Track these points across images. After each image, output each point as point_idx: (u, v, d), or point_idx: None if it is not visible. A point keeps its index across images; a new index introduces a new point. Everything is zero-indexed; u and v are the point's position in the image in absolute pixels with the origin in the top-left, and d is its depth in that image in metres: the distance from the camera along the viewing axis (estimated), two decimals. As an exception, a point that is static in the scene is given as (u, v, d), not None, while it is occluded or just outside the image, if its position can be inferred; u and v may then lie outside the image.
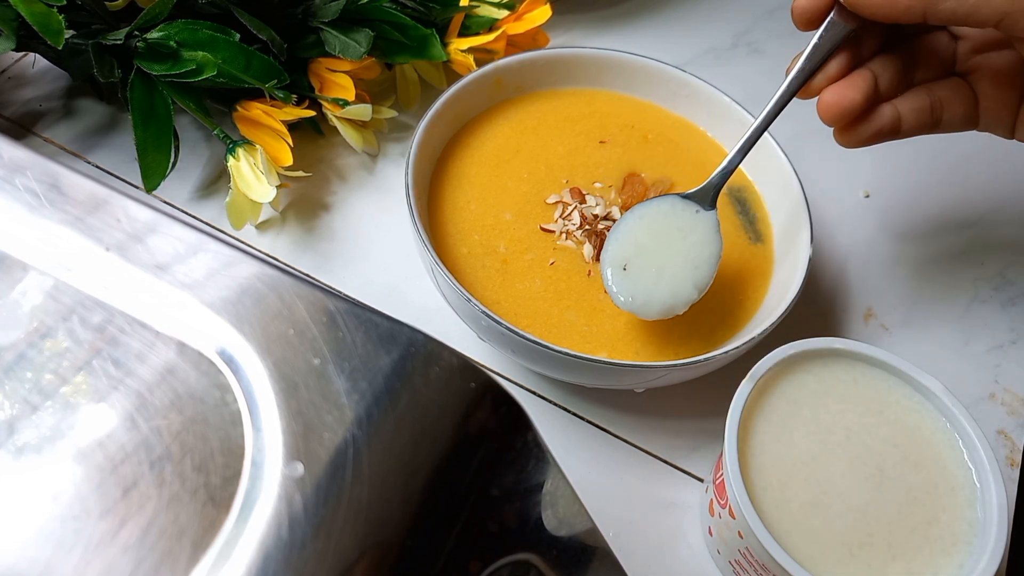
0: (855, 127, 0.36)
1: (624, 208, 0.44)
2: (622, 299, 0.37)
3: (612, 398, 0.43)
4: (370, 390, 0.18)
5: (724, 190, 0.45)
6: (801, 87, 0.36)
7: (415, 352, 0.19)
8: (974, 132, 0.38)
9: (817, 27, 0.35)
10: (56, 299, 0.20)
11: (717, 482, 0.35)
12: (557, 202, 0.44)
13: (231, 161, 0.45)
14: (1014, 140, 0.37)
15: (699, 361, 0.36)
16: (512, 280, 0.41)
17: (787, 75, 0.36)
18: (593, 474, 0.40)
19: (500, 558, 0.20)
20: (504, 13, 0.52)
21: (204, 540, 0.16)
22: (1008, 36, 0.32)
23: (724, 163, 0.39)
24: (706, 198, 0.39)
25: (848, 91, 0.35)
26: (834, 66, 0.35)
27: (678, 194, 0.39)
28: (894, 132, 0.36)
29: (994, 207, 0.52)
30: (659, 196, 0.39)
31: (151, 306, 0.20)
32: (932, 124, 0.36)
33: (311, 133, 0.52)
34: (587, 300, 0.40)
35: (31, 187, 0.21)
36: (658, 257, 0.38)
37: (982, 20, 0.31)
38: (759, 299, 0.41)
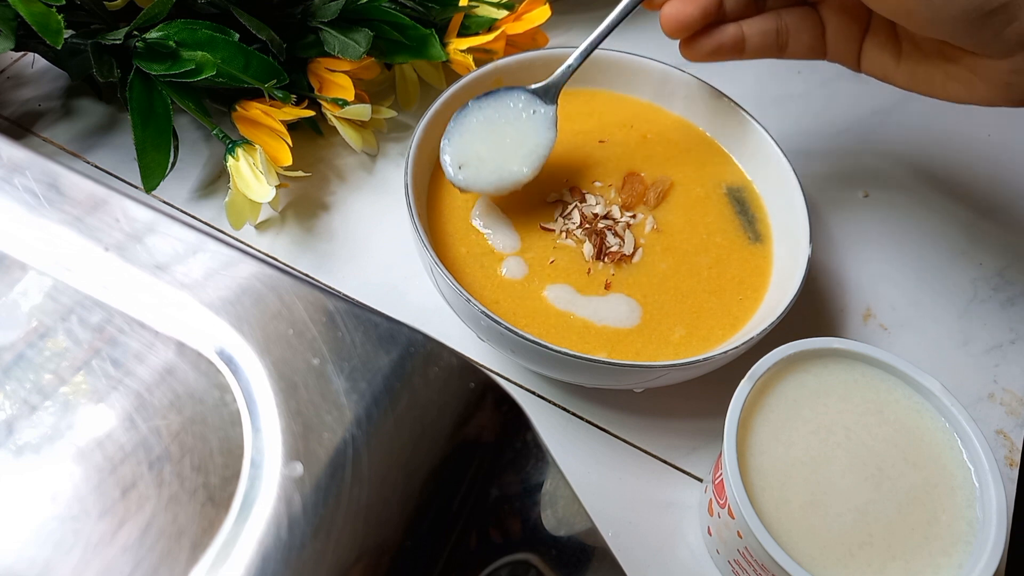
0: (696, 41, 0.37)
1: (624, 208, 0.44)
2: (459, 179, 0.41)
3: (611, 398, 0.43)
4: (369, 390, 0.18)
5: (724, 189, 0.45)
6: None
7: (414, 352, 0.19)
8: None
9: None
10: (55, 299, 0.20)
11: (716, 482, 0.35)
12: (557, 201, 0.44)
13: (230, 161, 0.45)
14: (861, 73, 0.38)
15: (698, 361, 0.36)
16: (511, 279, 0.41)
17: None
18: (592, 474, 0.40)
19: (499, 558, 0.20)
20: (503, 13, 0.52)
21: (203, 540, 0.16)
22: None
23: (570, 59, 0.42)
24: (548, 94, 0.42)
25: (687, 6, 0.36)
26: None
27: (524, 88, 0.42)
28: (736, 51, 0.38)
29: (993, 207, 0.52)
30: (504, 89, 0.42)
31: (150, 306, 0.20)
32: (777, 48, 0.38)
33: (310, 133, 0.52)
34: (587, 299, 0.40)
35: (30, 187, 0.21)
36: (493, 152, 0.42)
37: None
38: (758, 299, 0.42)
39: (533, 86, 0.42)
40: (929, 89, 0.36)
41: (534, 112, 0.41)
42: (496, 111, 0.42)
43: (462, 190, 0.41)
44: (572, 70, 0.42)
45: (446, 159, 0.41)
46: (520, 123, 0.41)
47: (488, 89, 0.46)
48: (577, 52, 0.42)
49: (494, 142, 0.41)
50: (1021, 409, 0.44)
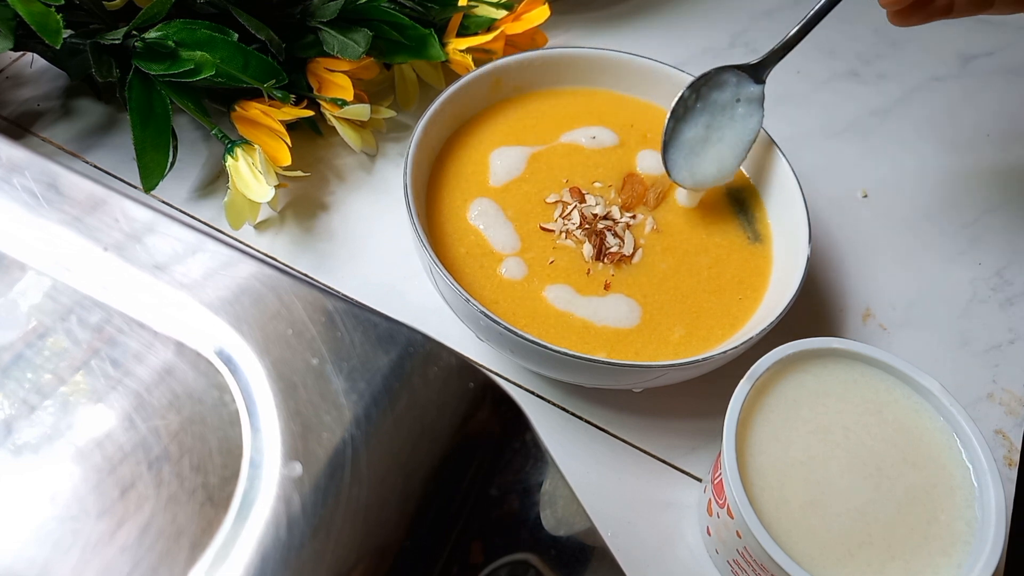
0: (911, 9, 0.37)
1: (624, 209, 0.44)
2: (684, 179, 0.42)
3: (611, 398, 0.43)
4: (368, 390, 0.18)
5: (723, 189, 0.45)
6: None
7: (413, 352, 0.19)
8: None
9: None
10: (54, 299, 0.20)
11: (715, 482, 0.35)
12: (556, 201, 0.44)
13: (229, 161, 0.45)
14: None
15: (697, 361, 0.36)
16: (511, 279, 0.41)
17: None
18: (592, 474, 0.40)
19: (498, 558, 0.20)
20: (502, 13, 0.52)
21: (202, 540, 0.16)
22: None
23: (790, 34, 0.41)
24: (758, 72, 0.42)
25: None
26: None
27: (735, 70, 0.42)
28: (945, 12, 0.36)
29: (992, 207, 0.52)
30: (720, 72, 0.42)
31: (149, 306, 0.19)
32: (984, 4, 0.37)
33: (309, 133, 0.51)
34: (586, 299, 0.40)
35: (29, 187, 0.21)
36: (712, 143, 0.42)
37: None
38: (758, 299, 0.42)
39: (743, 64, 0.42)
40: None
41: (743, 97, 0.42)
42: (712, 100, 0.42)
43: (685, 187, 0.42)
44: (789, 47, 0.41)
45: (672, 159, 0.42)
46: (732, 111, 0.42)
47: (486, 89, 0.47)
48: (798, 25, 0.41)
49: (710, 134, 0.42)
50: (1020, 409, 0.44)
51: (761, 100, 0.42)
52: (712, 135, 0.42)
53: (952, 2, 0.36)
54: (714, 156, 0.42)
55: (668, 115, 0.42)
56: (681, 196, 0.44)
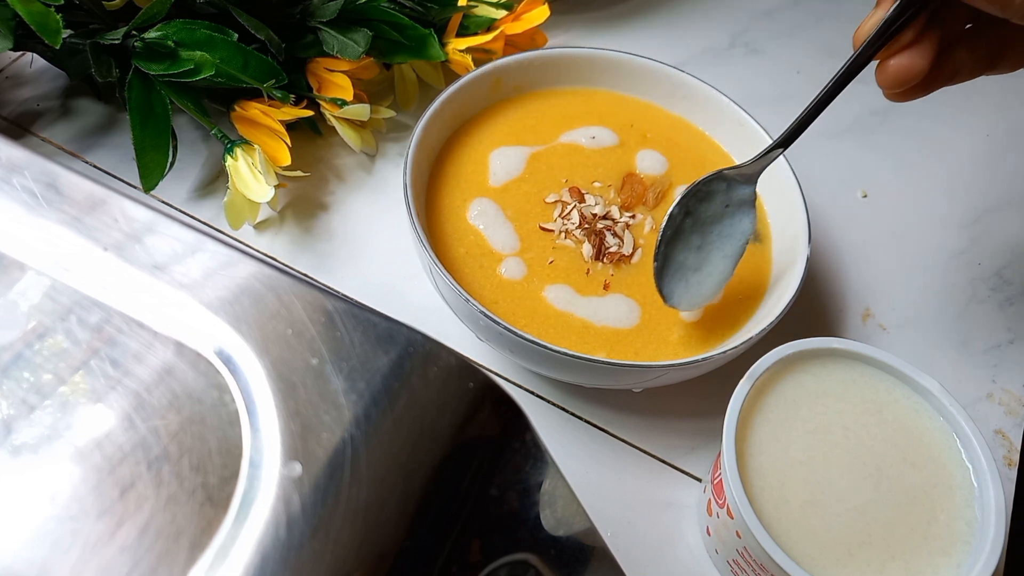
0: (915, 89, 0.34)
1: (623, 208, 0.44)
2: (684, 306, 0.39)
3: (610, 398, 0.43)
4: (368, 390, 0.18)
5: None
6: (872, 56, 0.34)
7: (413, 352, 0.19)
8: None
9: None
10: (54, 299, 0.20)
11: (715, 482, 0.35)
12: (556, 201, 0.44)
13: (229, 161, 0.45)
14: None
15: (697, 361, 0.36)
16: (511, 279, 0.41)
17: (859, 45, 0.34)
18: (591, 474, 0.40)
19: (498, 558, 0.20)
20: (502, 13, 0.52)
21: (202, 540, 0.16)
22: None
23: (777, 138, 0.37)
24: (753, 177, 0.38)
25: (916, 60, 0.33)
26: (908, 35, 0.33)
27: (725, 175, 0.38)
28: (949, 79, 0.35)
29: (991, 207, 0.52)
30: (708, 183, 0.38)
31: (149, 306, 0.19)
32: (988, 65, 0.35)
33: (309, 133, 0.51)
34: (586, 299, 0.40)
35: (29, 187, 0.21)
36: (707, 263, 0.39)
37: None
38: (757, 299, 0.41)
39: (736, 167, 0.38)
40: None
41: (733, 202, 0.38)
42: (701, 215, 0.39)
43: (687, 313, 0.40)
44: (788, 143, 0.37)
45: (668, 286, 0.38)
46: (722, 221, 0.39)
47: (486, 89, 0.47)
48: (787, 129, 0.37)
49: (703, 254, 0.39)
50: (1020, 409, 0.44)
51: (753, 201, 0.39)
52: (705, 254, 0.39)
53: (957, 69, 0.34)
54: (709, 273, 0.39)
55: (658, 238, 0.38)
56: (685, 315, 0.41)
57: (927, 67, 0.33)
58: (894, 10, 0.32)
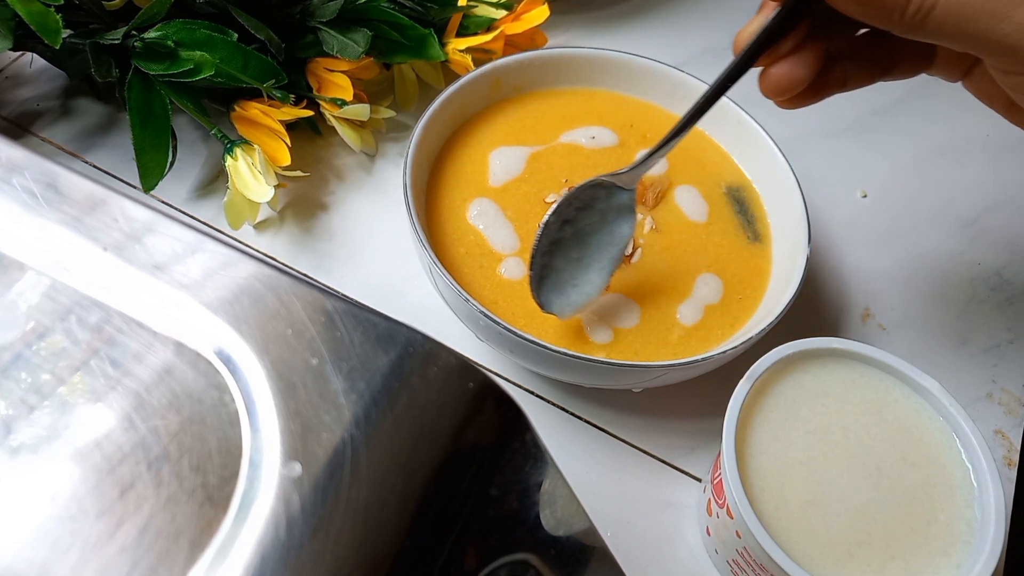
0: (800, 96, 0.34)
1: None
2: (560, 312, 0.39)
3: (610, 398, 0.43)
4: (368, 390, 0.18)
5: (723, 189, 0.45)
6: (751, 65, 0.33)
7: (413, 352, 0.19)
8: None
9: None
10: (53, 299, 0.20)
11: (715, 482, 0.35)
12: (556, 201, 0.44)
13: (229, 161, 0.45)
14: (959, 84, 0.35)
15: (697, 361, 0.36)
16: (510, 279, 0.41)
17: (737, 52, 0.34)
18: (591, 474, 0.40)
19: (498, 558, 0.20)
20: (502, 13, 0.52)
21: (201, 540, 0.16)
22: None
23: (658, 144, 0.37)
24: (631, 182, 0.38)
25: (797, 69, 0.32)
26: (787, 44, 0.33)
27: (605, 184, 0.38)
28: (841, 86, 0.34)
29: (991, 207, 0.52)
30: (585, 191, 0.38)
31: (149, 306, 0.19)
32: (881, 71, 0.34)
33: (309, 133, 0.51)
34: (585, 300, 0.40)
35: (28, 187, 0.21)
36: (585, 276, 0.39)
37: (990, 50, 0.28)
38: (757, 298, 0.42)
39: (613, 174, 0.38)
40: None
41: (613, 208, 0.38)
42: (582, 226, 0.38)
43: (561, 318, 0.39)
44: (660, 154, 0.37)
45: (545, 296, 0.38)
46: (601, 229, 0.39)
47: (486, 89, 0.47)
48: (670, 133, 0.36)
49: (582, 264, 0.39)
50: (1019, 409, 0.44)
51: (632, 206, 0.39)
52: (585, 267, 0.39)
53: (847, 77, 0.33)
54: (587, 283, 0.39)
55: (533, 246, 0.37)
56: (562, 318, 0.39)
57: (809, 76, 0.32)
58: (772, 19, 0.32)
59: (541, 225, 0.37)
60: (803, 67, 0.33)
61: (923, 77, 0.36)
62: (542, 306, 0.38)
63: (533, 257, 0.37)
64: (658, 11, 0.62)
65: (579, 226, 0.38)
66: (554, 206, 0.37)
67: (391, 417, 0.18)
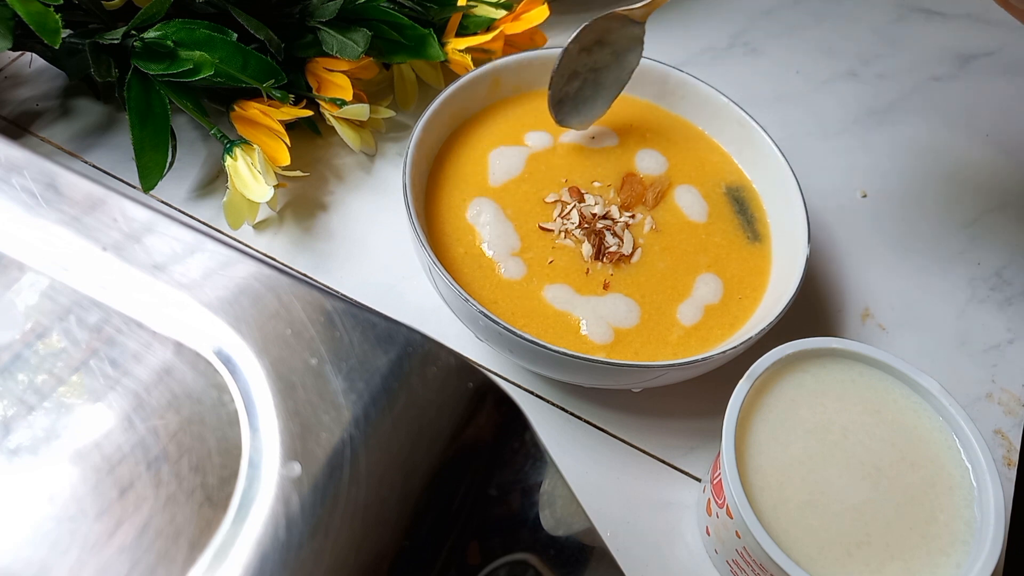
0: None
1: (623, 208, 0.44)
2: (574, 124, 0.46)
3: (610, 398, 0.43)
4: (367, 390, 0.18)
5: (723, 189, 0.45)
6: None
7: (412, 352, 0.19)
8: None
9: None
10: (52, 299, 0.20)
11: (714, 482, 0.35)
12: (556, 201, 0.44)
13: (228, 161, 0.45)
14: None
15: (696, 361, 0.36)
16: (510, 279, 0.41)
17: None
18: (591, 474, 0.40)
19: (497, 558, 0.20)
20: (502, 13, 0.52)
21: (201, 540, 0.16)
22: None
23: None
24: (645, 16, 0.43)
25: None
26: None
27: (621, 15, 0.43)
28: None
29: (991, 207, 0.52)
30: (602, 23, 0.43)
31: (148, 306, 0.19)
32: None
33: (308, 133, 0.51)
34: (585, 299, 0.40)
35: (28, 187, 0.21)
36: (598, 98, 0.46)
37: None
38: (757, 298, 0.42)
39: (628, 8, 0.43)
40: None
41: (627, 38, 0.44)
42: (597, 60, 0.44)
43: (574, 128, 0.46)
44: None
45: (562, 113, 0.44)
46: (615, 60, 0.44)
47: (486, 88, 0.47)
48: None
49: (597, 88, 0.45)
50: (1019, 409, 0.44)
51: (642, 38, 0.44)
52: (599, 88, 0.45)
53: None
54: (598, 105, 0.46)
55: (552, 72, 0.43)
56: (571, 134, 0.46)
57: None
58: None
59: (561, 52, 0.43)
60: None
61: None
62: (559, 121, 0.45)
63: (552, 79, 0.43)
64: (658, 11, 0.62)
65: (594, 58, 0.44)
66: (575, 34, 0.42)
67: (390, 417, 0.18)
